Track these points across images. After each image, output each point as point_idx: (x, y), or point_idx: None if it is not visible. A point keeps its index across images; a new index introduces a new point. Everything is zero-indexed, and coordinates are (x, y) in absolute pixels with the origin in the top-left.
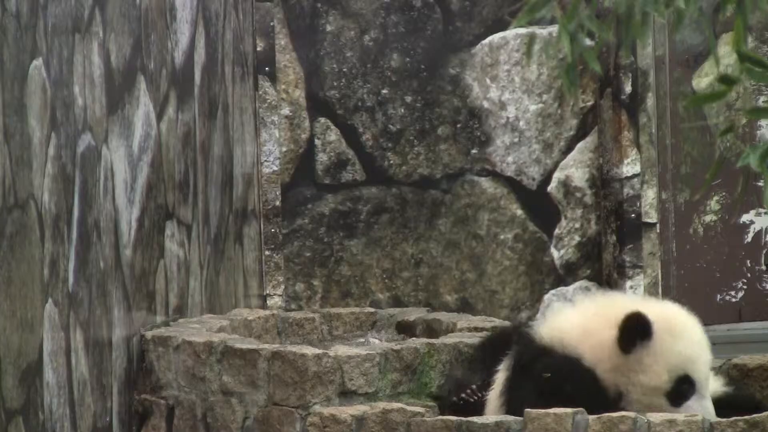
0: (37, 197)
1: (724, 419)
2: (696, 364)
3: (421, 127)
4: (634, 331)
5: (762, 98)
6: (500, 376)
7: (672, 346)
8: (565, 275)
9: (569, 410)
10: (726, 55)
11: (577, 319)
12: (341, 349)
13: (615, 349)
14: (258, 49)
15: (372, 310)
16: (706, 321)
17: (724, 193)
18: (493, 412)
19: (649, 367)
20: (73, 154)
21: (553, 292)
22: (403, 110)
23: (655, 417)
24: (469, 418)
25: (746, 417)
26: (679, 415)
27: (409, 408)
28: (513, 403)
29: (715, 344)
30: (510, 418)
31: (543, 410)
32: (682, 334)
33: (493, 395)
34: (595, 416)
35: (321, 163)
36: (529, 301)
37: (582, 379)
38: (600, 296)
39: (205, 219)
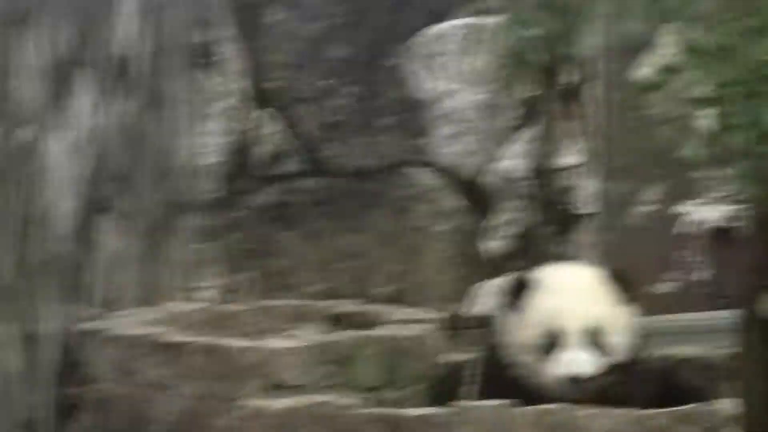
0: None
1: (652, 411)
2: (564, 317)
3: (361, 118)
4: (515, 292)
5: (704, 88)
6: None
7: (543, 302)
8: (501, 267)
9: (496, 402)
10: (670, 44)
11: None
12: (273, 342)
13: (507, 314)
14: (201, 40)
15: (306, 302)
16: (643, 311)
17: (662, 184)
18: None
19: (524, 325)
20: (9, 146)
21: (488, 283)
22: (344, 101)
23: (583, 411)
24: (399, 411)
25: (675, 409)
26: (612, 410)
27: (339, 401)
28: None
29: (652, 335)
30: (440, 410)
31: (471, 402)
32: (556, 290)
33: None
34: (523, 408)
35: (260, 154)
36: (464, 293)
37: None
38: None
39: (142, 211)
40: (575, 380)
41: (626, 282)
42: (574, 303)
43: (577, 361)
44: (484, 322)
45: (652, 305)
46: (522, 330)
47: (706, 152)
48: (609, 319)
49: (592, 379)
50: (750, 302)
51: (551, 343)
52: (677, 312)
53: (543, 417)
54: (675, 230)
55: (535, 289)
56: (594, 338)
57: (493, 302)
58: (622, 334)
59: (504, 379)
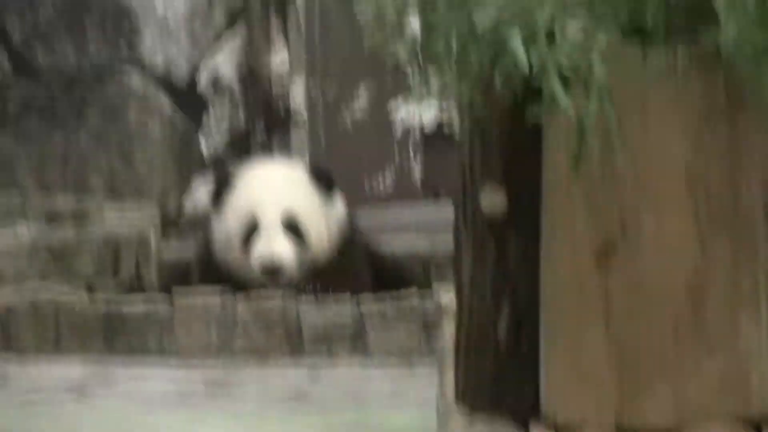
0: None
1: (374, 302)
2: (261, 207)
3: (70, 20)
4: (218, 188)
5: None
6: None
7: (242, 194)
8: (213, 166)
9: (211, 295)
10: None
11: None
12: None
13: (212, 210)
14: None
15: (20, 198)
16: (358, 209)
17: (371, 85)
18: None
19: (227, 217)
20: None
21: (201, 180)
22: (54, 4)
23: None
24: (121, 307)
25: (396, 299)
26: (330, 307)
27: (59, 297)
28: None
29: (369, 230)
30: (160, 306)
31: (191, 296)
32: (254, 184)
33: None
34: (243, 299)
35: None
36: (177, 191)
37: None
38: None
39: None
40: (269, 269)
41: (326, 178)
42: (270, 194)
43: (269, 250)
44: (197, 219)
45: (366, 203)
46: (224, 224)
47: (415, 54)
48: (306, 209)
49: (284, 266)
50: (463, 200)
51: (249, 234)
52: (392, 209)
53: (265, 306)
54: (388, 131)
55: (236, 186)
56: (290, 227)
57: (204, 199)
58: (320, 225)
59: (217, 275)
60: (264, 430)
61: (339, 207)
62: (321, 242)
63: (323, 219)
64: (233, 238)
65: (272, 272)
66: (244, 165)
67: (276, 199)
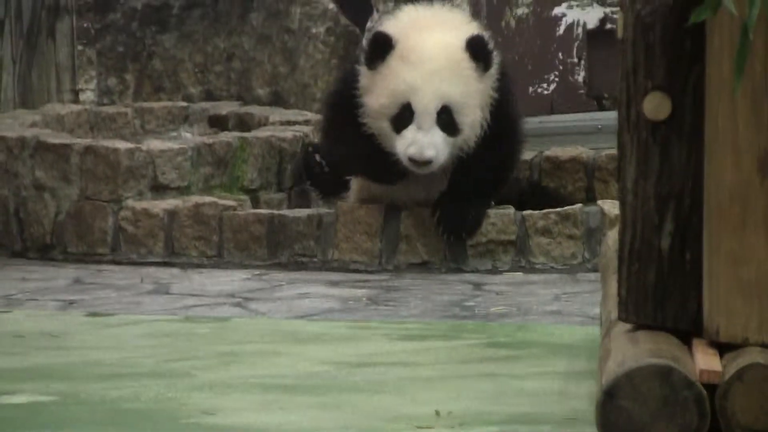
0: None
1: (536, 211)
2: (417, 94)
3: None
4: (375, 49)
5: None
6: None
7: (399, 72)
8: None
9: (379, 206)
10: None
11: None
12: (153, 144)
13: (366, 72)
14: None
15: (184, 104)
16: (524, 112)
17: None
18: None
19: (378, 88)
20: None
21: None
22: None
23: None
24: (282, 211)
25: (559, 209)
26: (493, 209)
27: (221, 201)
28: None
29: (529, 137)
30: (322, 210)
31: (354, 203)
32: (414, 62)
33: None
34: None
35: None
36: None
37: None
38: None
39: (18, 14)
40: (418, 162)
41: (484, 50)
42: (427, 81)
43: (420, 143)
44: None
45: (532, 106)
46: (377, 97)
47: None
48: (462, 98)
49: (434, 161)
50: (628, 105)
51: (402, 117)
52: (557, 113)
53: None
54: (551, 32)
55: (392, 50)
56: (445, 118)
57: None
58: (475, 112)
59: (366, 146)
60: (426, 342)
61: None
62: (474, 128)
63: (478, 102)
64: (384, 116)
65: (420, 165)
66: (414, 36)
67: (433, 88)
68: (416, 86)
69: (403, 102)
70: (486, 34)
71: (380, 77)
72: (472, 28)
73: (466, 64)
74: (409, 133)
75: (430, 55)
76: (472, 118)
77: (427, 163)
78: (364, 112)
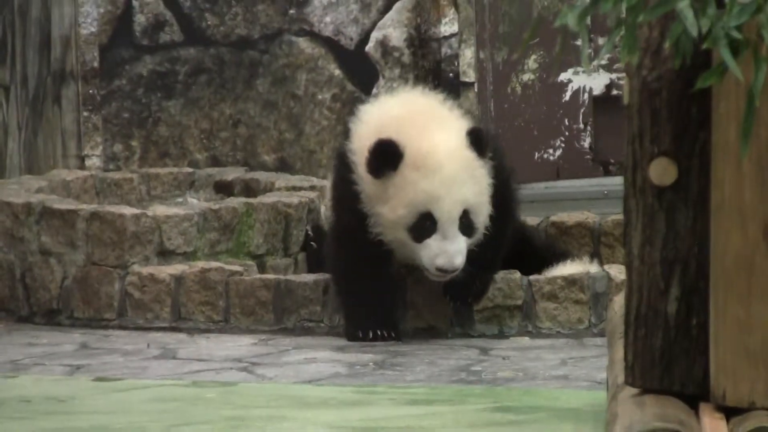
0: None
1: (542, 276)
2: (439, 203)
3: None
4: (382, 159)
5: None
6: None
7: (416, 181)
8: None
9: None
10: None
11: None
12: (159, 209)
13: (373, 180)
14: None
15: (190, 170)
16: (525, 179)
17: (542, 52)
18: None
19: (391, 199)
20: None
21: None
22: None
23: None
24: (289, 276)
25: (565, 275)
26: (500, 273)
27: (227, 267)
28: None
29: (534, 202)
30: (324, 276)
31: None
32: (430, 170)
33: None
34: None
35: (139, 24)
36: None
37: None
38: (407, 99)
39: (23, 81)
40: (444, 270)
41: (481, 139)
42: (448, 187)
43: (449, 253)
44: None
45: (538, 172)
46: (392, 208)
47: (583, 21)
48: (477, 198)
49: (460, 268)
50: (634, 170)
51: (422, 227)
52: (561, 179)
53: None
54: (557, 98)
55: (401, 158)
56: (465, 223)
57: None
58: (487, 207)
59: (371, 248)
60: (432, 406)
61: (488, 173)
62: (486, 222)
63: (487, 196)
64: (401, 225)
65: (449, 274)
66: (420, 142)
67: (453, 196)
68: (437, 195)
69: (422, 211)
70: (481, 125)
71: (392, 186)
72: (465, 119)
73: (474, 162)
74: (434, 242)
75: (443, 161)
76: (485, 214)
77: (455, 271)
78: (374, 222)
